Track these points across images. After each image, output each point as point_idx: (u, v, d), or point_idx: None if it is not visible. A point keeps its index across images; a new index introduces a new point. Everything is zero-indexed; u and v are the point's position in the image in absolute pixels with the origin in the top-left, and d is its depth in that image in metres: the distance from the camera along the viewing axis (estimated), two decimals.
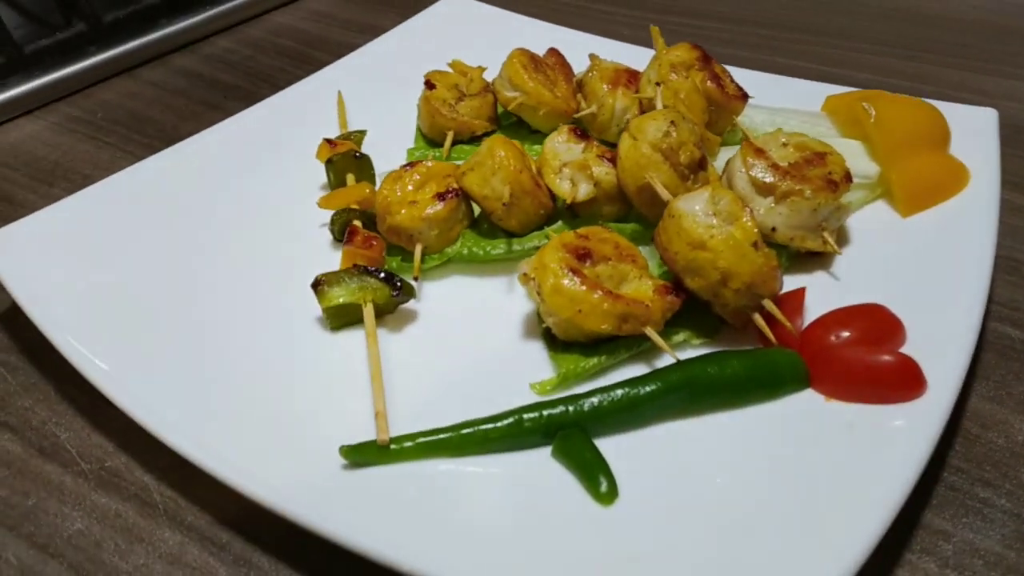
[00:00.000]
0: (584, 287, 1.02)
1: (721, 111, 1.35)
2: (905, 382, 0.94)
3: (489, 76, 1.53)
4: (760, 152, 1.18)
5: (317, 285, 1.10)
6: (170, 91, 1.82)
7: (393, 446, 0.93)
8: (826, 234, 1.16)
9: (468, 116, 1.44)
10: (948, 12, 2.04)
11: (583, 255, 1.06)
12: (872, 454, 0.90)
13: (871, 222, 1.25)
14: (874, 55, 1.85)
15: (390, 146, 1.47)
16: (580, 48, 1.54)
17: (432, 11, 1.86)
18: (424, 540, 0.84)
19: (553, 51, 1.53)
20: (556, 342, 1.08)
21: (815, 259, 1.19)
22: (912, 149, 1.24)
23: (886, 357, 0.96)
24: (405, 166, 1.23)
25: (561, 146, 1.23)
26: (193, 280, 1.20)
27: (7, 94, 1.74)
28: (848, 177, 1.17)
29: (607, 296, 1.02)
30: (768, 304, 1.02)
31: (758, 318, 1.04)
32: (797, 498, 0.87)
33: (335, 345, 1.11)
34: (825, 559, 0.79)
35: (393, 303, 1.13)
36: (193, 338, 1.10)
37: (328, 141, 1.36)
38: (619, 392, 0.96)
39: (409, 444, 0.93)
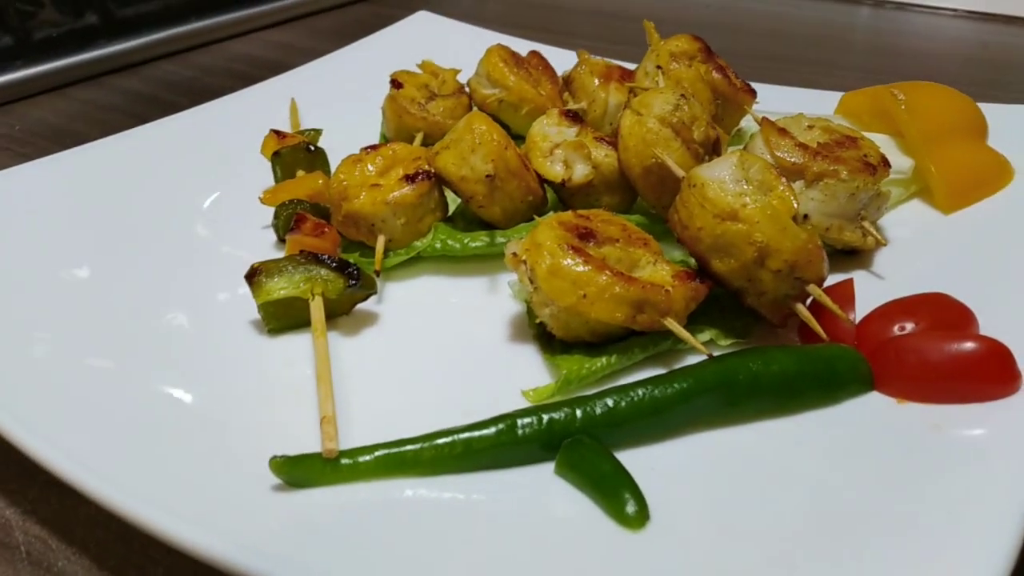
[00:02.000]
0: (589, 267, 0.81)
1: (728, 105, 1.19)
2: (998, 372, 0.75)
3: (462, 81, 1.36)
4: (784, 131, 1.01)
5: (252, 276, 0.88)
6: (101, 107, 1.63)
7: (344, 460, 0.70)
8: (867, 224, 0.98)
9: (440, 116, 1.26)
10: (939, 50, 1.96)
11: (585, 234, 0.86)
12: (972, 464, 0.69)
13: (909, 220, 1.08)
14: (871, 83, 1.74)
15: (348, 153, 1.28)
16: (560, 62, 1.38)
17: (397, 27, 1.71)
18: None
19: (535, 53, 1.37)
20: (553, 343, 0.86)
21: (852, 259, 1.01)
22: (950, 139, 1.09)
23: (970, 344, 0.76)
24: (366, 148, 1.04)
25: (551, 129, 1.06)
26: (98, 281, 0.97)
27: None
28: (886, 162, 1.00)
29: (618, 278, 0.81)
30: (815, 291, 0.83)
31: (802, 309, 0.84)
32: (883, 520, 0.65)
33: (273, 351, 0.89)
34: None
35: (348, 299, 0.91)
36: (87, 343, 0.87)
37: (276, 132, 1.17)
38: (640, 392, 0.74)
39: (366, 459, 0.70)
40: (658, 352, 0.85)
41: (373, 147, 1.04)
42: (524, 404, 0.78)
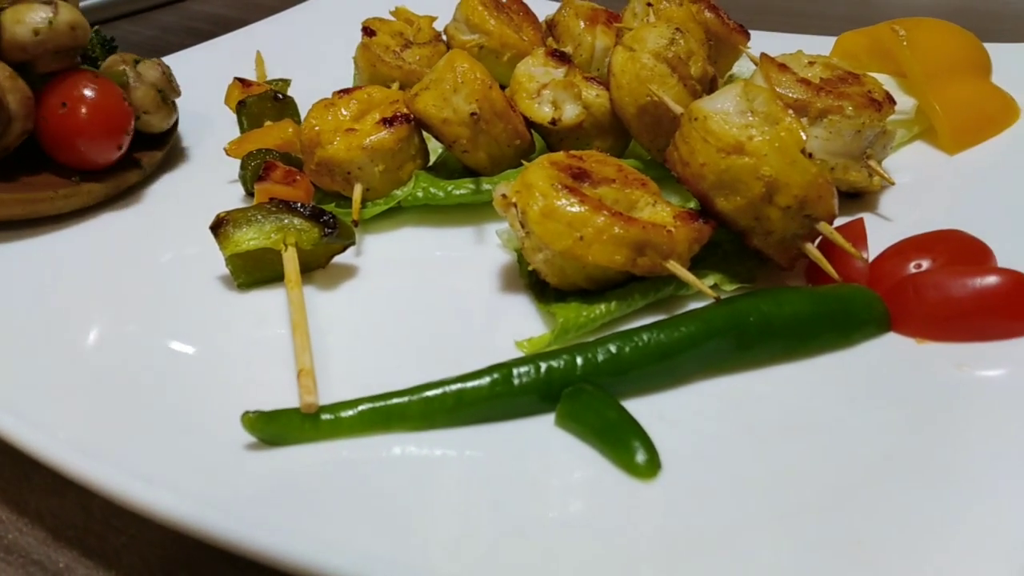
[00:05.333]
0: (585, 207, 0.75)
1: (722, 46, 1.13)
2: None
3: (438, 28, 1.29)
4: (784, 67, 0.95)
5: (218, 227, 0.81)
6: None
7: (325, 415, 0.63)
8: (873, 163, 0.93)
9: (417, 65, 1.19)
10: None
11: (579, 174, 0.80)
12: (1001, 404, 0.65)
13: (913, 163, 1.03)
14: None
15: None
16: (537, 11, 1.31)
17: None
18: (382, 552, 0.55)
19: None
20: (547, 292, 0.81)
21: (857, 202, 0.96)
22: (954, 76, 1.04)
23: (994, 277, 0.71)
24: (339, 92, 0.97)
25: (537, 69, 0.99)
26: (53, 237, 0.90)
27: None
28: (891, 99, 0.95)
29: (616, 218, 0.75)
30: (825, 228, 0.78)
31: (811, 249, 0.79)
32: (909, 466, 0.60)
33: (244, 307, 0.82)
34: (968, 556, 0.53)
35: (324, 251, 0.84)
36: (39, 301, 0.80)
37: (240, 81, 1.09)
38: (645, 337, 0.69)
39: (349, 413, 0.64)
40: (659, 298, 0.79)
41: (346, 91, 0.97)
42: (520, 354, 0.73)
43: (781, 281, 0.83)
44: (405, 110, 0.94)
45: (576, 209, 0.75)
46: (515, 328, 0.78)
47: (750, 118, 0.78)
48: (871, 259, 0.81)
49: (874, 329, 0.73)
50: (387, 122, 0.91)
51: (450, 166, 1.00)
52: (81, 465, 0.58)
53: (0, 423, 0.61)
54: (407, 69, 1.18)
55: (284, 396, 0.68)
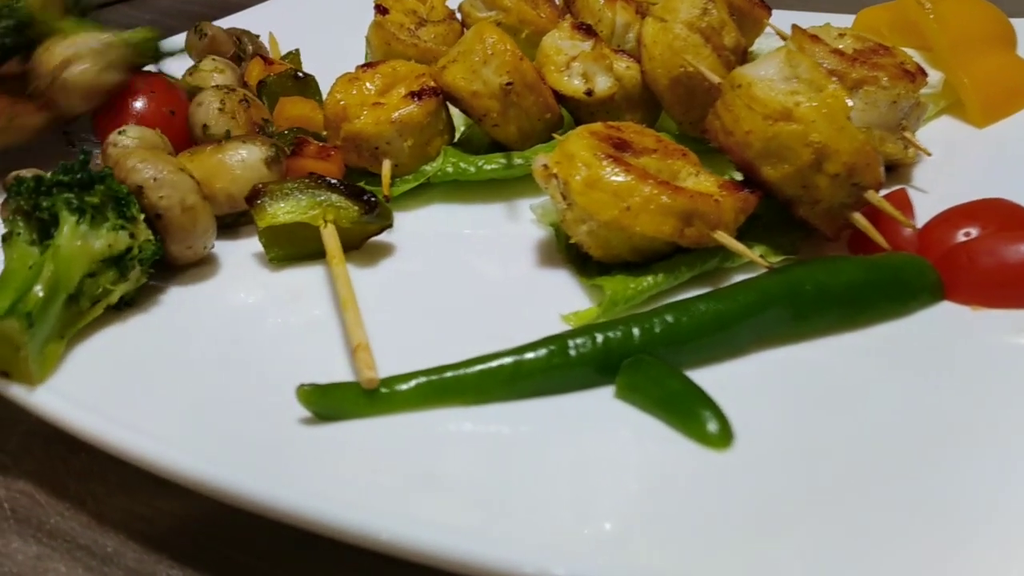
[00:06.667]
0: (631, 177, 0.74)
1: (744, 21, 1.11)
2: None
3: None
4: (816, 38, 0.94)
5: (255, 197, 0.78)
6: None
7: (381, 389, 0.61)
8: (908, 134, 0.92)
9: (432, 43, 1.16)
10: None
11: (620, 144, 0.78)
12: None
13: (942, 136, 1.01)
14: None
15: None
16: None
17: None
18: (447, 523, 0.53)
19: None
20: (589, 265, 0.79)
21: (889, 175, 0.94)
22: (980, 49, 1.03)
23: None
24: (362, 67, 0.94)
25: (564, 42, 0.97)
26: None
27: None
28: (922, 71, 0.94)
29: (664, 187, 0.74)
30: (873, 196, 0.76)
31: (860, 218, 0.77)
32: (972, 434, 0.59)
33: (279, 283, 0.79)
34: None
35: (361, 231, 0.82)
36: None
37: (263, 58, 1.06)
38: (702, 307, 0.67)
39: (404, 387, 0.62)
40: (705, 270, 0.78)
41: (370, 64, 0.94)
42: (566, 328, 0.70)
43: (824, 253, 0.81)
44: (432, 84, 0.91)
45: (622, 178, 0.73)
46: (558, 303, 0.76)
47: (795, 84, 0.76)
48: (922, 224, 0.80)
49: (928, 297, 0.72)
50: (415, 95, 0.89)
51: (475, 142, 0.98)
52: (130, 443, 0.55)
53: (45, 404, 0.58)
54: (423, 47, 1.15)
55: (331, 371, 0.66)
